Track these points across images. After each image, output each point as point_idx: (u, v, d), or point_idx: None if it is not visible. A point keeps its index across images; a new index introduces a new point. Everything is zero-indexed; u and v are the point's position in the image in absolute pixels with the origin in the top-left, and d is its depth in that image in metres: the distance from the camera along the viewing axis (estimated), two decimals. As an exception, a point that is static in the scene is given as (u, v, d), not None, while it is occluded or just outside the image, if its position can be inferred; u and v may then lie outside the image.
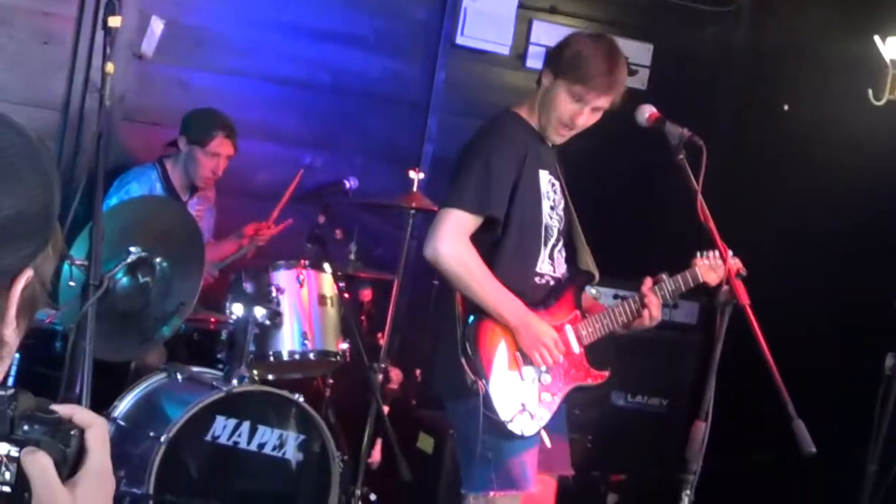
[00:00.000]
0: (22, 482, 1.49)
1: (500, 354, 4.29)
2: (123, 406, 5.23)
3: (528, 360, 4.32)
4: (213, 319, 5.80)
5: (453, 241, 4.20)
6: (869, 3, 6.67)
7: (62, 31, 6.27)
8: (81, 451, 1.55)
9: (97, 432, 1.57)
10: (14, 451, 1.50)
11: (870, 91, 6.30)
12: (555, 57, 4.44)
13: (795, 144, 7.06)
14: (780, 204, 7.03)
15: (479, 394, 4.19)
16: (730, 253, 4.17)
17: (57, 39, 6.28)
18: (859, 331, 6.05)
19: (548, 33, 7.37)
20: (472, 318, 4.29)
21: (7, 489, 1.49)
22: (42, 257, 1.32)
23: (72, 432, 1.55)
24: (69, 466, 1.53)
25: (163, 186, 6.14)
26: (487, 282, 4.25)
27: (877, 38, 6.24)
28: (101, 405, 5.13)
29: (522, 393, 4.31)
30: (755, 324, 3.90)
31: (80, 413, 1.58)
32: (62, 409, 1.57)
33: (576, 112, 4.38)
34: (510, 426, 4.23)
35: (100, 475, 1.55)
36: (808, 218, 6.78)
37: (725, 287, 4.05)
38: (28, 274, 1.30)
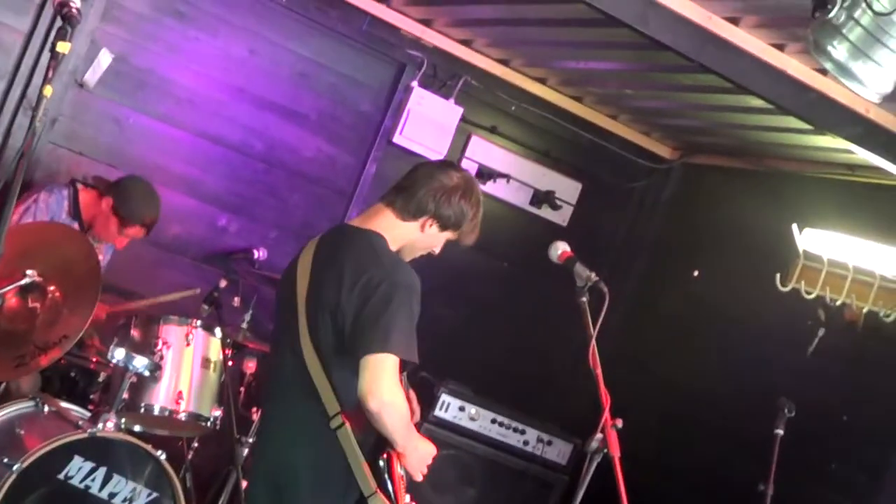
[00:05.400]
0: None
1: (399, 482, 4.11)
2: (-17, 425, 5.14)
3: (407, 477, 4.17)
4: (94, 359, 5.75)
5: (395, 390, 3.91)
6: (793, 193, 6.81)
7: (10, 43, 6.23)
8: None
9: None
10: None
11: (777, 276, 6.43)
12: (444, 217, 4.32)
13: (699, 310, 7.18)
14: (672, 364, 7.10)
15: None
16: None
17: (3, 50, 6.24)
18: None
19: (484, 151, 7.50)
20: (384, 454, 4.06)
21: None
22: None
23: None
24: None
25: (71, 208, 6.03)
26: (407, 419, 4.05)
27: (794, 227, 6.37)
28: (-39, 419, 5.05)
29: None
30: (620, 476, 3.95)
31: None
32: None
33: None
34: None
35: None
36: (698, 384, 6.87)
37: (599, 435, 4.07)
38: None
